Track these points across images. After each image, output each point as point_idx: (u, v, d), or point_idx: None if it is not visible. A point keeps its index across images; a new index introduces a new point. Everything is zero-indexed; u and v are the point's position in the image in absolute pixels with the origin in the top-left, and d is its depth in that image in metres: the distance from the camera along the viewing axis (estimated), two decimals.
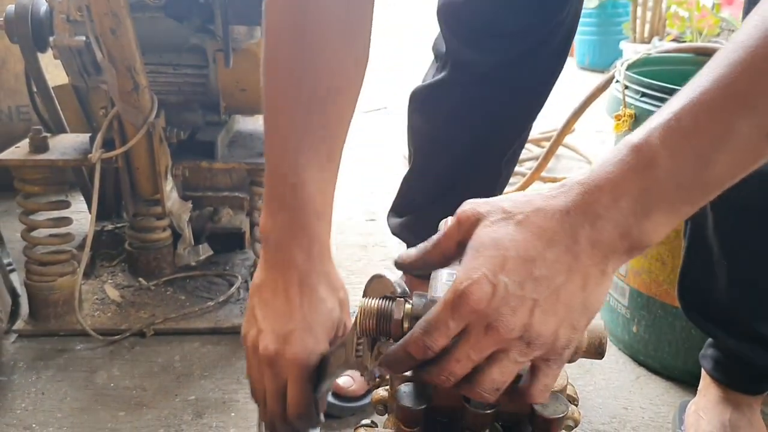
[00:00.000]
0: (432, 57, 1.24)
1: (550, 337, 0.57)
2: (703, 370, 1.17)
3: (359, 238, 1.92)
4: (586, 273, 0.57)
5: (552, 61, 1.18)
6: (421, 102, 1.23)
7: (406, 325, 0.72)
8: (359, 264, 1.80)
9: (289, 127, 0.76)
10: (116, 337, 1.40)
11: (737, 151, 0.55)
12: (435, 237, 0.63)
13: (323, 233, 0.78)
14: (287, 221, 0.77)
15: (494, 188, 1.27)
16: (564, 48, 1.18)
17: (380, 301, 0.75)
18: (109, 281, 1.60)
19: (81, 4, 1.06)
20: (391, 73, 3.73)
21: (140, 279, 1.58)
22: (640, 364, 1.42)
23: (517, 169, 2.27)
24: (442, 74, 1.17)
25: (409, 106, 1.26)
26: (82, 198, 1.72)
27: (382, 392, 0.77)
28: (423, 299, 0.73)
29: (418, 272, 0.66)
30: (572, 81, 3.63)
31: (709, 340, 1.16)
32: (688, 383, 1.31)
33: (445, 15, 1.15)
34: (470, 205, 0.61)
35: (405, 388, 0.72)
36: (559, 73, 1.21)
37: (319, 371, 0.79)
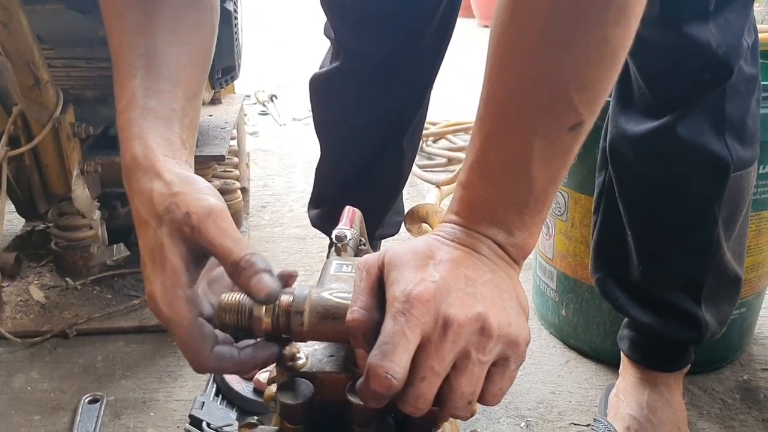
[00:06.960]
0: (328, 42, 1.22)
1: (506, 326, 0.55)
2: (621, 352, 1.17)
3: (297, 230, 1.90)
4: (507, 272, 0.59)
5: (439, 34, 1.16)
6: (321, 91, 1.21)
7: (267, 320, 0.68)
8: (296, 257, 1.77)
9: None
10: (36, 339, 1.37)
11: (548, 158, 0.58)
12: (357, 287, 0.58)
13: (138, 143, 0.65)
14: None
15: (401, 169, 1.26)
16: (450, 17, 1.16)
17: (241, 295, 0.71)
18: (35, 282, 1.56)
19: None
20: None
21: (67, 279, 1.54)
22: (571, 347, 1.41)
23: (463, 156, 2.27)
24: (337, 62, 1.15)
25: (310, 94, 1.23)
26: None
27: (274, 389, 0.75)
28: (290, 295, 0.70)
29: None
30: None
31: (626, 320, 1.14)
32: (618, 366, 1.29)
33: (329, 4, 1.12)
34: (365, 257, 0.60)
35: (288, 383, 0.69)
36: (448, 41, 1.19)
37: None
